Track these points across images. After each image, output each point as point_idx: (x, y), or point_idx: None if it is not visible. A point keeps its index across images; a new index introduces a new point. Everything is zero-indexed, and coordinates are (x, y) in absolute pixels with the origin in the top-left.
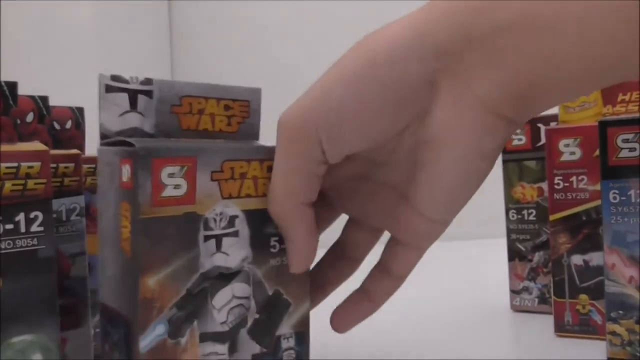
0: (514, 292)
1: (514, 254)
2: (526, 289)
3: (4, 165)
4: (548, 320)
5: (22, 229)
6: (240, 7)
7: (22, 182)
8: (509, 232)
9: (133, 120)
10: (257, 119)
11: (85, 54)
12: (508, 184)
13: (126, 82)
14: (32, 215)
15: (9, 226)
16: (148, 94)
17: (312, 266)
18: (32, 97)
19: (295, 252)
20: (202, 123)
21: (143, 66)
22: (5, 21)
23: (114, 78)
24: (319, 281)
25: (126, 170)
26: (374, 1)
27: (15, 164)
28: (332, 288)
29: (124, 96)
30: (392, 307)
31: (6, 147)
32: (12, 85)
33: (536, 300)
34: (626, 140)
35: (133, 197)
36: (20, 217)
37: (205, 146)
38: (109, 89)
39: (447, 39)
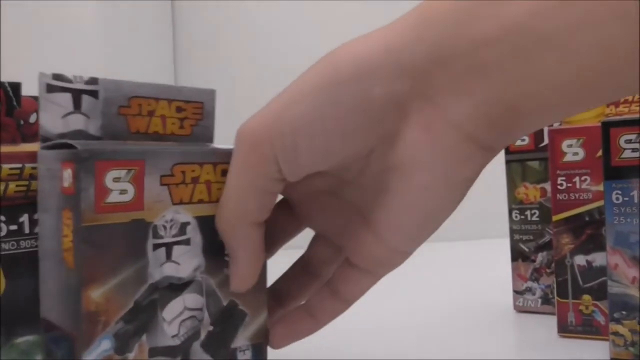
0: (517, 292)
1: (517, 255)
2: (529, 290)
3: (7, 166)
4: (551, 321)
5: (26, 230)
6: (244, 10)
7: (26, 183)
8: (512, 232)
9: (77, 122)
10: (212, 121)
11: (88, 56)
12: (511, 185)
13: (69, 81)
14: (36, 216)
15: (13, 227)
16: (93, 94)
17: (276, 278)
18: (35, 98)
19: (237, 272)
20: (152, 125)
21: (146, 68)
22: (8, 21)
23: (56, 77)
24: (280, 294)
25: (68, 175)
26: (379, 4)
27: (19, 165)
28: (293, 303)
29: (67, 96)
30: (395, 307)
31: (9, 148)
32: (16, 86)
33: (539, 300)
34: (629, 141)
35: (75, 203)
36: (24, 218)
37: (154, 149)
38: (50, 88)
39: (417, 55)
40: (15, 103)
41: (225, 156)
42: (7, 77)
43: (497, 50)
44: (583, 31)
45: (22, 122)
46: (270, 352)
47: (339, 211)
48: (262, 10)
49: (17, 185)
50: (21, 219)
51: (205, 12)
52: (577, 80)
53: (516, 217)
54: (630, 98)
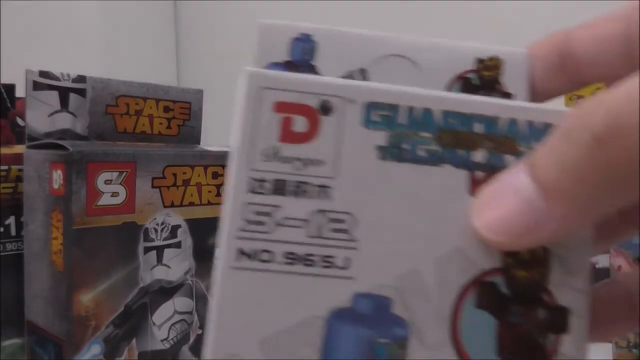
0: None
1: None
2: None
3: (16, 167)
4: None
5: (13, 232)
6: (247, 8)
7: (13, 185)
8: None
9: (64, 120)
10: (199, 121)
11: (90, 56)
12: None
13: (57, 79)
14: (22, 218)
15: None
16: (81, 92)
17: None
18: None
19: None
20: (139, 125)
21: (149, 68)
22: (9, 21)
23: (43, 74)
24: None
25: (57, 176)
26: (385, 4)
27: (6, 167)
28: None
29: (54, 94)
30: None
31: (6, 150)
32: (10, 88)
33: None
34: None
35: (66, 205)
36: (11, 220)
37: (146, 151)
38: (37, 86)
39: None
40: (9, 105)
41: (216, 158)
42: (9, 79)
43: None
44: None
45: (20, 122)
46: None
47: None
48: (266, 9)
49: (3, 187)
50: (7, 221)
51: (208, 12)
52: None
53: None
54: None
